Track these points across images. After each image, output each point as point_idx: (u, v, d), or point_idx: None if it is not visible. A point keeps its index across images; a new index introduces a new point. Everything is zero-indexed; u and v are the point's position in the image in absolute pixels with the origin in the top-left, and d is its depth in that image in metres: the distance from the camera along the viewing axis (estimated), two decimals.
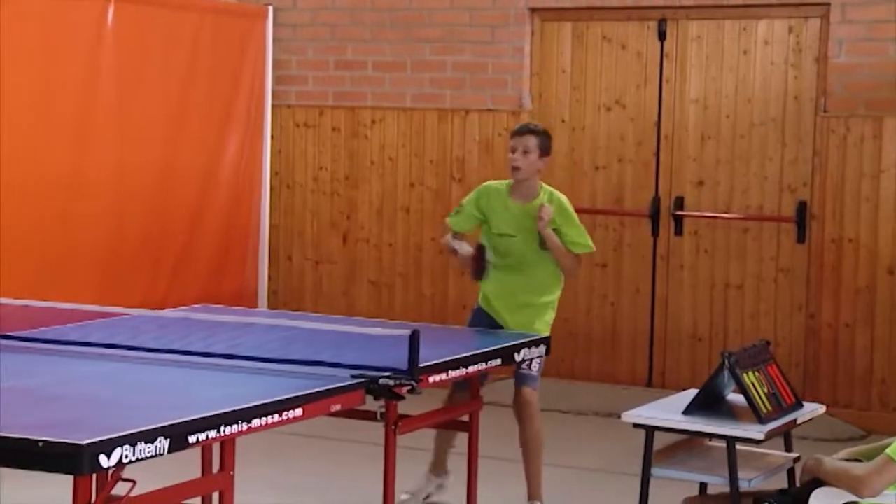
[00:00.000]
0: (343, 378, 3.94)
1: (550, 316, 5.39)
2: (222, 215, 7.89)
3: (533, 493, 5.33)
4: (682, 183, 7.61)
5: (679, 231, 7.61)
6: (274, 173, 8.33)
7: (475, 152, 7.95)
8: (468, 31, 7.95)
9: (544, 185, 5.35)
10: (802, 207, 7.30)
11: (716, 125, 7.52)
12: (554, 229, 5.23)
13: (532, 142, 5.20)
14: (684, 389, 4.77)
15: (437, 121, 8.05)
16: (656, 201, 7.62)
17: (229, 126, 7.94)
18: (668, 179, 7.63)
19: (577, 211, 7.74)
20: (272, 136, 8.28)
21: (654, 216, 7.62)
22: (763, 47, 7.40)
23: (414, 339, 4.02)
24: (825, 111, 7.17)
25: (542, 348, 5.07)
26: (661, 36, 7.58)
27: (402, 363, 4.03)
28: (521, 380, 5.29)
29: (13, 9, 6.52)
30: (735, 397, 4.36)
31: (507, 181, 5.36)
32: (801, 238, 7.33)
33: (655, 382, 7.65)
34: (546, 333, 5.26)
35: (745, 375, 4.20)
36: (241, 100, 8.01)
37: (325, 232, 8.32)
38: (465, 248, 5.32)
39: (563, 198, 5.32)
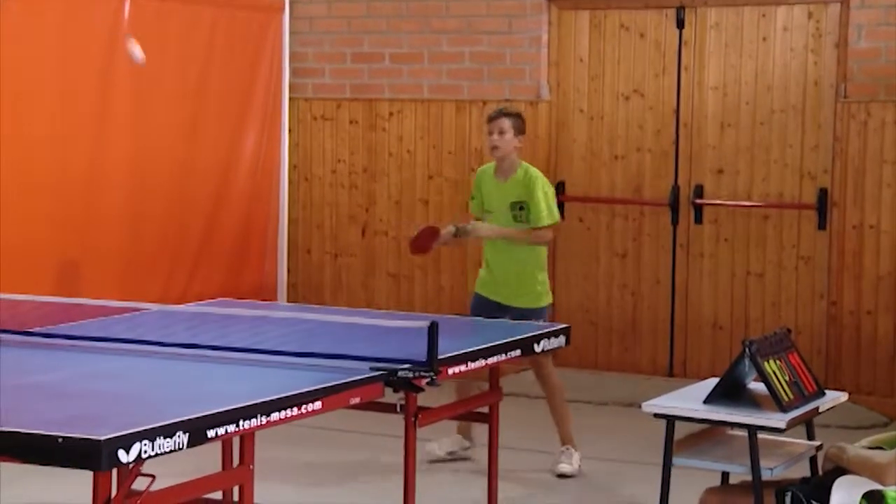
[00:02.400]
0: (362, 371, 3.93)
1: (544, 281, 5.90)
2: (241, 209, 7.90)
3: (564, 437, 5.90)
4: (702, 171, 7.57)
5: (699, 219, 7.58)
6: (292, 167, 8.33)
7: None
8: (485, 21, 7.93)
9: (523, 163, 5.95)
10: (823, 194, 7.26)
11: (735, 113, 7.48)
12: (520, 204, 5.81)
13: (506, 123, 5.86)
14: (705, 379, 4.75)
15: (454, 112, 8.03)
16: (676, 190, 7.59)
17: (247, 120, 7.94)
18: (687, 168, 7.60)
19: (596, 201, 7.81)
20: (290, 130, 8.28)
21: (674, 205, 7.59)
22: (782, 33, 7.35)
23: (433, 330, 4.01)
24: (845, 97, 7.13)
25: (563, 338, 5.05)
26: (680, 24, 7.54)
27: (422, 355, 4.02)
28: None
29: (31, 5, 6.53)
30: (756, 386, 4.33)
31: (492, 163, 6.01)
32: (821, 225, 7.29)
33: (676, 372, 7.63)
34: (548, 301, 5.88)
35: (766, 364, 4.18)
36: (258, 93, 8.01)
37: (344, 225, 8.32)
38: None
39: (535, 172, 5.89)
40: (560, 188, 7.87)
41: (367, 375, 3.90)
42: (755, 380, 4.34)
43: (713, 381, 4.36)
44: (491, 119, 5.91)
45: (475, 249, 7.99)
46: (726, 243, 7.53)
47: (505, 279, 5.88)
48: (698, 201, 7.56)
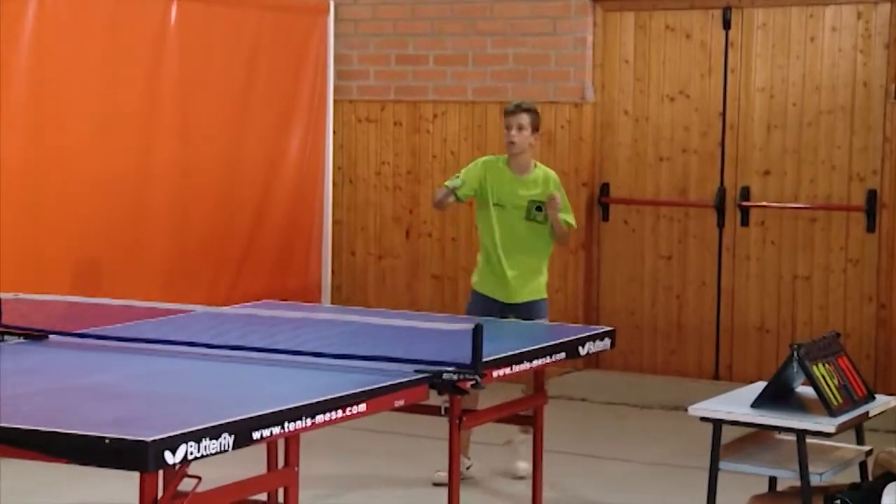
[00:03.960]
0: (406, 373, 3.92)
1: (545, 278, 5.82)
2: (285, 211, 7.93)
3: None
4: (749, 173, 7.51)
5: (745, 222, 7.52)
6: (336, 168, 8.35)
7: (538, 145, 7.88)
8: (529, 23, 7.91)
9: (538, 162, 5.86)
10: (872, 196, 7.18)
11: (782, 114, 7.41)
12: (539, 204, 5.72)
13: (525, 119, 5.72)
14: (752, 382, 4.71)
15: (499, 114, 8.01)
16: (722, 192, 7.53)
17: (292, 122, 7.97)
18: (733, 170, 7.54)
19: (641, 203, 7.77)
20: (334, 132, 8.30)
21: (720, 207, 7.53)
22: (831, 34, 7.28)
23: (477, 333, 3.99)
24: (895, 98, 7.04)
25: (608, 341, 5.02)
26: (726, 24, 7.48)
27: (466, 358, 4.01)
28: None
29: (78, 7, 6.59)
30: (804, 390, 4.29)
31: (502, 156, 5.84)
32: (870, 227, 7.21)
33: (722, 375, 7.57)
34: (545, 296, 5.78)
35: (814, 367, 4.13)
36: (303, 95, 8.03)
37: (388, 227, 8.33)
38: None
39: (555, 174, 5.82)
40: (605, 190, 7.84)
41: (411, 378, 3.89)
42: (803, 384, 4.30)
43: (760, 385, 4.32)
44: (509, 113, 5.76)
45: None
46: (773, 246, 7.46)
47: (519, 273, 5.70)
48: (744, 203, 7.50)
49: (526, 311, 5.66)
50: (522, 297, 5.71)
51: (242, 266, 7.64)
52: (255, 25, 7.67)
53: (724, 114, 7.52)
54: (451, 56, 8.13)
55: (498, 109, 8.04)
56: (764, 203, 7.47)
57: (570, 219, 5.77)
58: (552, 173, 5.82)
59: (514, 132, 5.70)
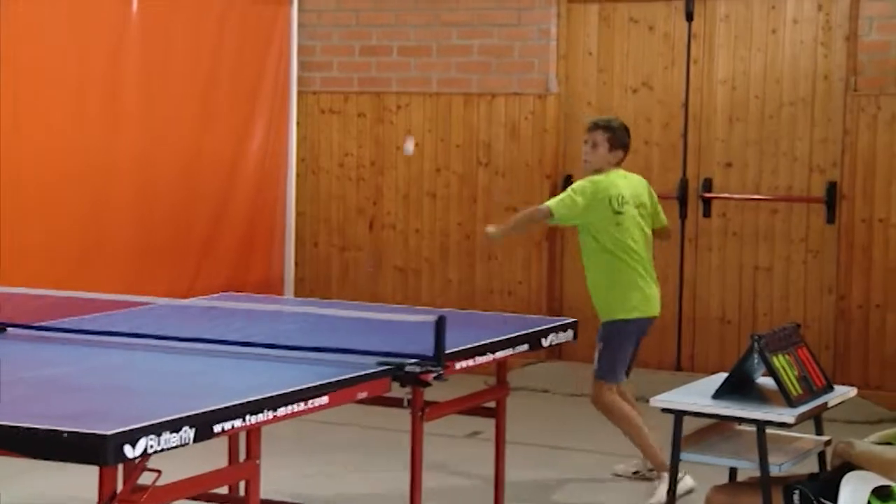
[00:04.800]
0: (369, 365, 3.92)
1: (619, 297, 5.55)
2: (248, 202, 7.89)
3: (656, 465, 5.50)
4: (710, 165, 7.55)
5: (707, 213, 7.56)
6: (300, 160, 8.32)
7: (501, 136, 7.92)
8: (494, 14, 7.91)
9: (612, 171, 5.57)
10: (832, 188, 7.23)
11: (744, 106, 7.45)
12: None
13: (599, 136, 5.51)
14: (713, 373, 4.73)
15: (462, 105, 8.01)
16: (684, 183, 7.56)
17: (255, 113, 7.93)
18: (695, 161, 7.57)
19: None
20: (298, 123, 8.27)
21: (682, 198, 7.56)
22: (792, 26, 7.32)
23: (440, 325, 3.99)
24: (855, 90, 7.10)
25: (570, 332, 5.03)
26: (689, 16, 7.51)
27: (429, 350, 4.00)
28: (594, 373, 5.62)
29: (41, 1, 6.52)
30: (765, 381, 4.31)
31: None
32: (830, 219, 7.26)
33: (684, 366, 7.61)
34: (604, 319, 5.60)
35: (774, 358, 4.16)
36: (266, 86, 8.00)
37: (352, 218, 8.31)
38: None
39: (590, 178, 5.55)
40: (568, 181, 7.84)
41: (374, 370, 3.89)
42: (764, 375, 4.32)
43: (721, 376, 4.34)
44: (587, 129, 5.59)
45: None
46: (734, 237, 7.50)
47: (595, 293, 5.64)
48: (706, 195, 7.54)
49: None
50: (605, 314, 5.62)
51: (205, 258, 7.60)
52: (217, 15, 7.63)
53: (686, 105, 7.55)
54: (415, 47, 8.11)
55: (462, 101, 8.03)
56: (726, 195, 7.51)
57: (549, 200, 5.68)
58: (591, 178, 5.56)
59: (587, 148, 5.55)
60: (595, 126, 5.54)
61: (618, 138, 5.53)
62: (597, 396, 5.57)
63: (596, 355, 5.58)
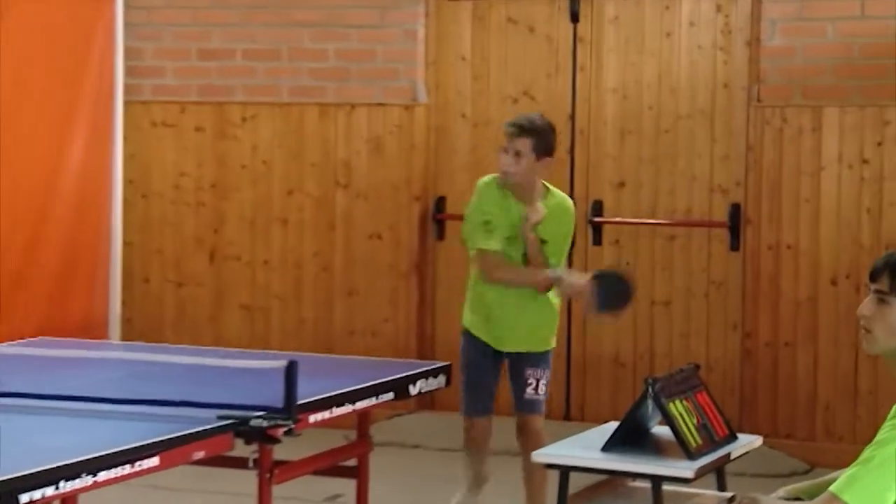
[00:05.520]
0: (208, 420, 3.90)
1: (551, 327, 5.72)
2: (65, 231, 7.78)
3: None
4: (601, 185, 7.69)
5: (598, 240, 7.69)
6: (127, 181, 8.23)
7: (363, 153, 7.95)
8: (353, 13, 7.96)
9: (551, 188, 5.64)
10: (736, 211, 7.42)
11: (637, 118, 7.61)
12: (543, 239, 5.55)
13: (526, 144, 5.43)
14: (605, 422, 4.81)
15: (318, 117, 8.03)
16: None
17: (73, 127, 7.83)
18: (584, 181, 7.70)
19: None
20: (124, 138, 8.18)
21: None
22: (688, 29, 7.52)
23: (291, 371, 4.00)
24: (758, 100, 7.31)
25: (443, 378, 5.07)
26: (574, 17, 7.66)
27: (278, 400, 4.00)
28: (528, 406, 5.66)
29: None
30: (661, 430, 4.41)
31: (493, 175, 5.62)
32: (734, 245, 7.45)
33: (573, 415, 7.71)
34: (548, 348, 5.72)
35: (671, 405, 4.26)
36: (86, 96, 7.90)
37: (189, 249, 8.24)
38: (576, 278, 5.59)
39: (567, 201, 5.66)
40: (440, 205, 7.92)
41: (213, 425, 3.87)
42: (660, 423, 4.41)
43: (613, 426, 4.43)
44: (506, 134, 5.50)
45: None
46: (628, 267, 7.63)
47: (513, 323, 5.65)
48: (596, 219, 7.67)
49: (527, 361, 5.70)
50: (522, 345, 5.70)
51: (14, 297, 7.46)
52: (27, 13, 7.52)
53: (573, 117, 7.69)
54: (262, 50, 8.11)
55: (317, 112, 8.04)
56: (618, 219, 7.66)
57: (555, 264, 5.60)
58: (569, 202, 5.69)
59: (509, 158, 5.45)
60: (518, 130, 5.45)
61: (545, 143, 5.48)
62: (542, 432, 5.69)
63: (542, 385, 5.67)
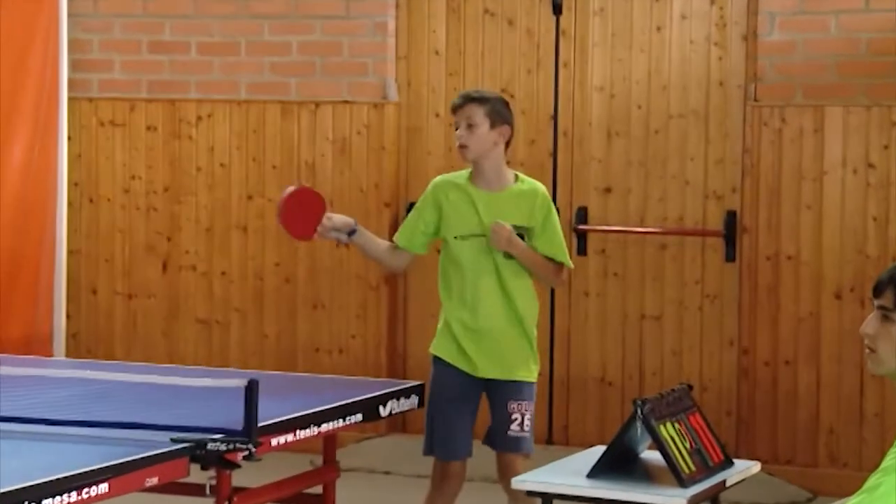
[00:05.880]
0: (161, 443, 3.90)
1: (532, 352, 5.44)
2: (4, 239, 7.75)
3: None
4: (586, 190, 7.71)
5: (582, 250, 7.70)
6: (72, 185, 8.22)
7: (329, 155, 7.96)
8: (317, 3, 7.96)
9: (522, 175, 5.51)
10: (731, 218, 7.45)
11: (625, 119, 7.64)
12: (521, 231, 5.35)
13: (477, 112, 5.34)
14: (591, 446, 4.83)
15: (279, 116, 8.03)
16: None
17: (13, 126, 7.81)
18: (567, 186, 7.72)
19: None
20: (69, 138, 8.17)
21: None
22: (680, 22, 7.55)
23: (251, 390, 4.00)
24: (756, 100, 7.34)
25: (415, 399, 5.07)
26: (557, 9, 7.68)
27: (237, 422, 4.00)
28: (509, 444, 5.35)
29: None
30: (651, 455, 4.42)
31: (463, 171, 5.50)
32: (730, 256, 7.47)
33: (556, 438, 7.72)
34: (532, 379, 5.40)
35: (661, 428, 4.27)
36: (27, 92, 7.89)
37: (140, 258, 8.23)
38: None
39: (544, 189, 5.48)
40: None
41: (167, 449, 3.87)
42: (649, 448, 4.43)
43: (599, 450, 4.44)
44: (454, 109, 5.44)
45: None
46: (616, 279, 7.66)
47: (490, 343, 5.41)
48: (581, 227, 7.69)
49: (508, 394, 5.39)
50: (489, 371, 5.42)
51: None
52: None
53: (555, 117, 7.71)
54: (218, 44, 8.11)
55: (278, 110, 8.04)
56: (604, 227, 7.67)
57: (567, 257, 5.41)
58: (541, 186, 5.51)
59: (462, 131, 5.37)
60: (464, 100, 5.41)
61: (498, 111, 5.41)
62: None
63: (527, 420, 5.37)
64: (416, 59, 7.93)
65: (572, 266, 5.53)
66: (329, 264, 7.93)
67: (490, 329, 5.39)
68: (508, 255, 5.35)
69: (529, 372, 5.43)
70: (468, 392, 5.45)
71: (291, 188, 5.53)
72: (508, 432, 5.34)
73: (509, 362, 5.40)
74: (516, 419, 5.34)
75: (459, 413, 5.43)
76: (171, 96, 8.19)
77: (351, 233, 5.43)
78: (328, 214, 5.45)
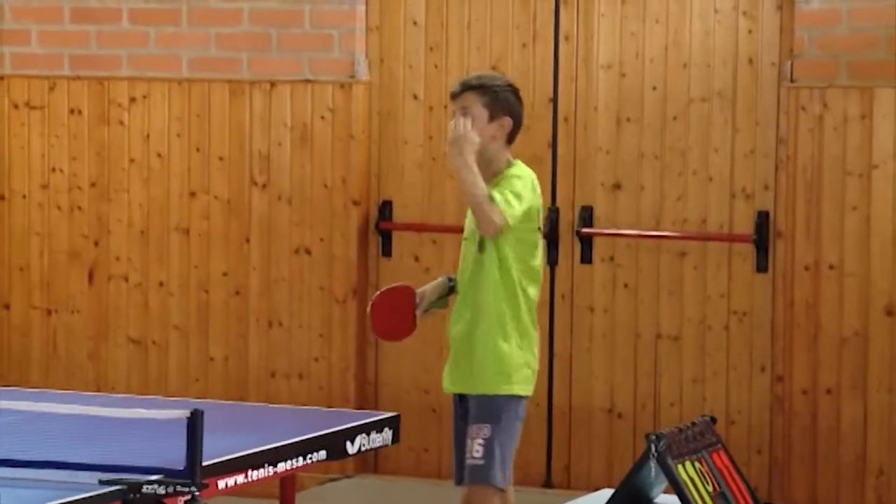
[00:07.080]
0: (88, 486, 3.91)
1: (505, 361, 5.47)
2: None
3: None
4: (591, 186, 7.72)
5: (587, 257, 7.72)
6: None
7: (287, 143, 7.97)
8: None
9: (518, 162, 5.61)
10: (763, 221, 7.46)
11: (638, 102, 7.65)
12: None
13: (473, 100, 5.48)
14: (597, 489, 4.86)
15: (228, 98, 8.04)
16: (553, 213, 7.71)
17: None
18: (569, 181, 7.73)
19: (438, 229, 7.88)
20: None
21: (551, 236, 7.70)
22: None
23: (195, 423, 4.01)
24: (792, 80, 7.35)
25: (389, 433, 5.11)
26: None
27: (178, 461, 4.02)
28: (467, 475, 5.40)
29: None
30: (667, 500, 4.45)
31: None
32: (762, 265, 7.49)
33: (556, 481, 7.73)
34: (501, 392, 5.41)
35: (680, 467, 4.30)
36: None
37: (62, 267, 8.23)
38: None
39: (519, 171, 5.57)
40: (385, 211, 7.94)
41: (96, 492, 3.88)
42: (665, 491, 4.46)
43: (607, 494, 4.47)
44: (452, 96, 5.59)
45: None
46: (626, 291, 7.67)
47: (454, 353, 5.53)
48: (585, 230, 7.70)
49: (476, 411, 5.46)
50: (474, 386, 5.47)
51: None
52: None
53: (555, 101, 7.72)
54: (155, 11, 8.12)
55: (227, 91, 8.05)
56: (613, 230, 7.68)
57: (503, 201, 5.44)
58: (518, 169, 5.59)
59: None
60: (462, 87, 5.55)
61: (501, 101, 5.53)
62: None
63: (479, 444, 5.37)
64: (390, 30, 7.94)
65: (510, 222, 5.43)
66: (287, 274, 7.94)
67: (455, 336, 5.51)
68: (481, 249, 5.47)
69: (495, 385, 5.44)
70: (458, 412, 5.54)
71: (375, 298, 5.62)
72: (466, 460, 5.37)
73: (474, 373, 5.46)
74: (470, 443, 5.35)
75: (455, 437, 5.53)
76: (98, 74, 8.20)
77: (452, 288, 5.57)
78: (419, 293, 5.60)
